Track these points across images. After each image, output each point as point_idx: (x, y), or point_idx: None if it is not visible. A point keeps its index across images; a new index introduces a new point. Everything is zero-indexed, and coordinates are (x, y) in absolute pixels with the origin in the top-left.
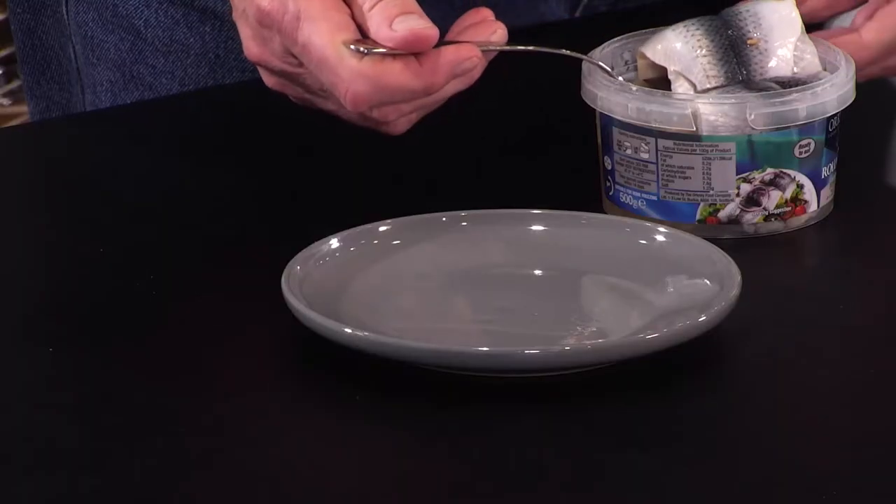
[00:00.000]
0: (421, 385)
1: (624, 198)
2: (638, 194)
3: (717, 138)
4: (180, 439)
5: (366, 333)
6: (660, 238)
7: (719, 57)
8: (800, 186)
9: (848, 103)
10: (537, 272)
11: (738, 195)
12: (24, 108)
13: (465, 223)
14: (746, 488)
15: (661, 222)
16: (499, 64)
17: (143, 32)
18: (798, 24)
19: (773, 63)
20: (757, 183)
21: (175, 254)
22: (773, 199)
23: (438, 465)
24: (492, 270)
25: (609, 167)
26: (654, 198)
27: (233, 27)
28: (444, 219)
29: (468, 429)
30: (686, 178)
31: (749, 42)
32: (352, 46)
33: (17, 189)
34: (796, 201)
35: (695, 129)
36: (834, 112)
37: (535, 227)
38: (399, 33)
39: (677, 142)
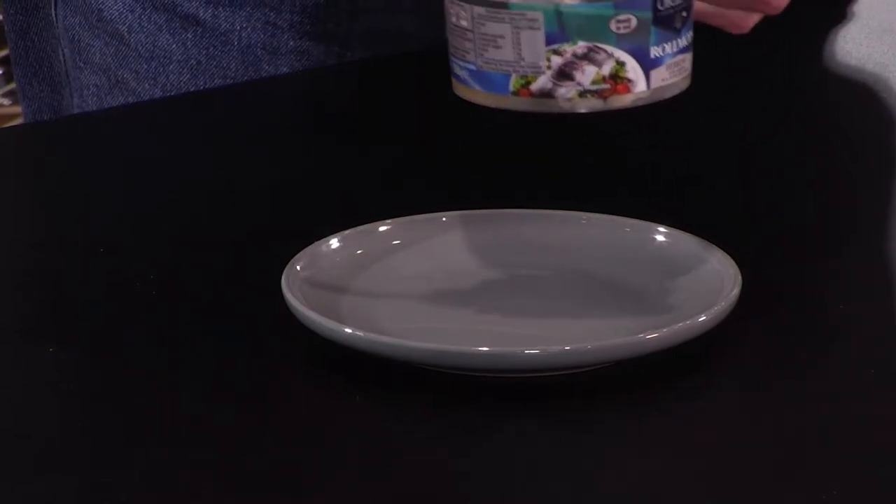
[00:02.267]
0: (421, 385)
1: (455, 68)
2: (462, 64)
3: (525, 7)
4: (180, 439)
5: (366, 333)
6: (660, 238)
7: None
8: (620, 64)
9: None
10: (537, 272)
11: (549, 68)
12: None
13: (465, 223)
14: (746, 488)
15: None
16: None
17: (127, 38)
18: None
19: None
20: (568, 56)
21: (175, 254)
22: (587, 74)
23: (438, 465)
24: (492, 270)
25: (447, 38)
26: (474, 67)
27: (215, 34)
28: (444, 219)
29: (468, 429)
30: (498, 47)
31: None
32: None
33: (18, 189)
34: (617, 79)
35: None
36: None
37: (535, 227)
38: None
39: (488, 9)
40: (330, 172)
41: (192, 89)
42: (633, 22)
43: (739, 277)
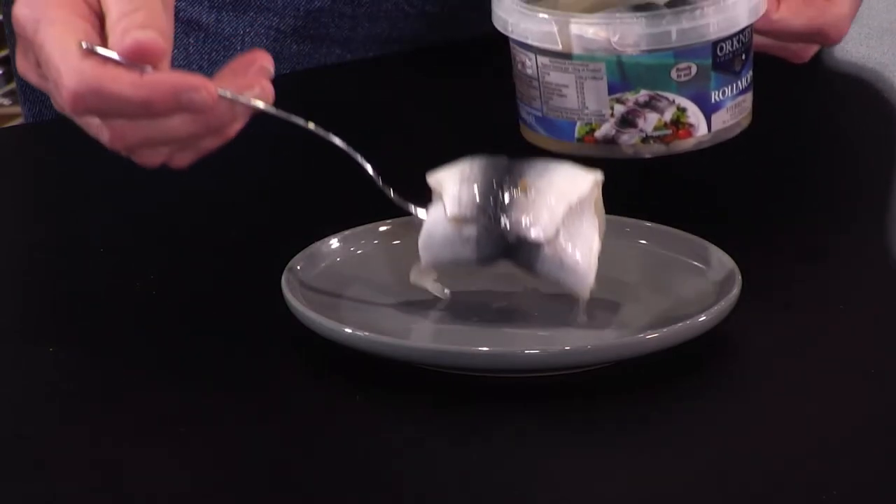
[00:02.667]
0: (421, 385)
1: (522, 112)
2: (529, 109)
3: (587, 57)
4: (180, 439)
5: (366, 333)
6: (659, 238)
7: (481, 189)
8: (681, 110)
9: (736, 29)
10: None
11: (612, 115)
12: None
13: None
14: (746, 488)
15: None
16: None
17: None
18: (583, 197)
19: (532, 214)
20: (630, 104)
21: (175, 254)
22: (650, 121)
23: (438, 464)
24: (492, 270)
25: (515, 83)
26: (539, 114)
27: (217, 40)
28: None
29: (468, 429)
30: (563, 95)
31: (520, 184)
32: (84, 45)
33: (18, 189)
34: (678, 124)
35: (560, 47)
36: (717, 37)
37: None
38: (125, 42)
39: (552, 59)
40: (330, 172)
41: None
42: (694, 69)
43: (739, 277)
